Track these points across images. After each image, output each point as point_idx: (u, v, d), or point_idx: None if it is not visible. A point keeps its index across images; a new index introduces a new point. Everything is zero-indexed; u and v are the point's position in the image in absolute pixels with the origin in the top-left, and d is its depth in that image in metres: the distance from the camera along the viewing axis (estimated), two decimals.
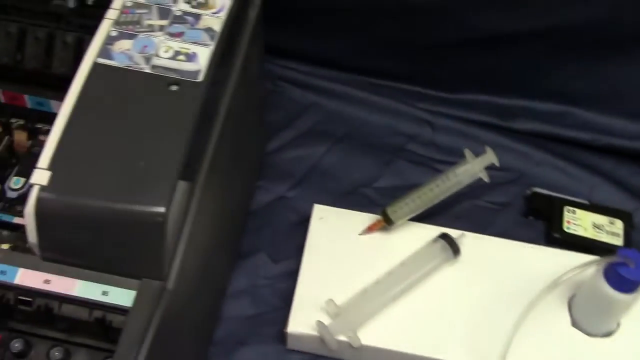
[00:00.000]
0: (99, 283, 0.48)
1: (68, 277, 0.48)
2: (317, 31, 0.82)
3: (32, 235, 0.47)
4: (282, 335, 0.65)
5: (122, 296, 0.47)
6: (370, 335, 0.62)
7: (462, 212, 0.74)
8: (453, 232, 0.67)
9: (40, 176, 0.46)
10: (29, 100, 0.59)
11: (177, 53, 0.52)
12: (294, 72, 0.85)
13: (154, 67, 0.51)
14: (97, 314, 0.48)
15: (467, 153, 0.68)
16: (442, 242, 0.66)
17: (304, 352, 0.65)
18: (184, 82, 0.50)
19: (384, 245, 0.68)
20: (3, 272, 0.48)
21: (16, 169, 0.58)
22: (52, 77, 0.58)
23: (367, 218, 0.70)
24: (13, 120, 0.60)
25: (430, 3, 0.76)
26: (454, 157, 0.78)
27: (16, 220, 0.55)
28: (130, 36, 0.52)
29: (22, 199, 0.57)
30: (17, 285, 0.48)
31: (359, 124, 0.82)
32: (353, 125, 0.82)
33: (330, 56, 0.84)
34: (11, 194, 0.57)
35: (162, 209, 0.46)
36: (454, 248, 0.65)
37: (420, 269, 0.65)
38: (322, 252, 0.67)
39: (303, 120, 0.82)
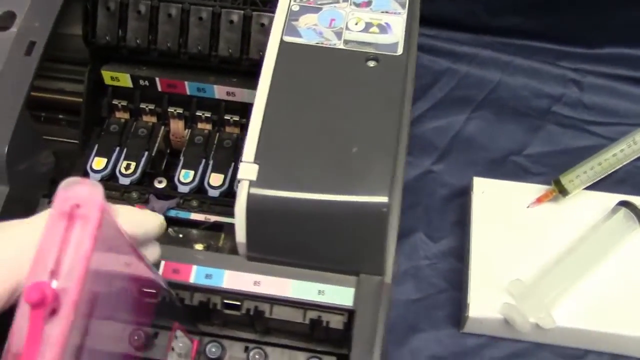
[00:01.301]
0: (313, 282, 0.44)
1: (279, 277, 0.44)
2: None
3: (240, 234, 0.43)
4: (452, 318, 0.62)
5: (339, 295, 0.44)
6: (562, 316, 0.58)
7: (624, 176, 0.69)
8: (627, 199, 0.62)
9: (248, 170, 0.42)
10: (189, 87, 0.55)
11: (369, 25, 0.47)
12: (420, 36, 0.79)
13: (346, 42, 0.46)
14: (312, 314, 0.44)
15: None
16: (624, 210, 0.61)
17: (479, 335, 0.62)
18: (383, 56, 0.46)
19: (556, 217, 0.63)
20: (209, 276, 0.44)
21: (182, 161, 0.54)
22: (215, 60, 0.54)
23: (531, 188, 0.65)
24: (171, 110, 0.56)
25: None
26: (607, 117, 0.74)
27: (193, 216, 0.52)
28: (315, 10, 0.47)
29: (194, 192, 0.53)
30: (226, 289, 0.44)
31: (498, 88, 0.76)
32: (491, 90, 0.76)
33: (456, 17, 0.79)
34: (183, 189, 0.53)
35: (385, 199, 0.42)
36: (638, 216, 0.60)
37: (604, 241, 0.60)
38: (490, 229, 0.63)
39: (437, 87, 0.77)
